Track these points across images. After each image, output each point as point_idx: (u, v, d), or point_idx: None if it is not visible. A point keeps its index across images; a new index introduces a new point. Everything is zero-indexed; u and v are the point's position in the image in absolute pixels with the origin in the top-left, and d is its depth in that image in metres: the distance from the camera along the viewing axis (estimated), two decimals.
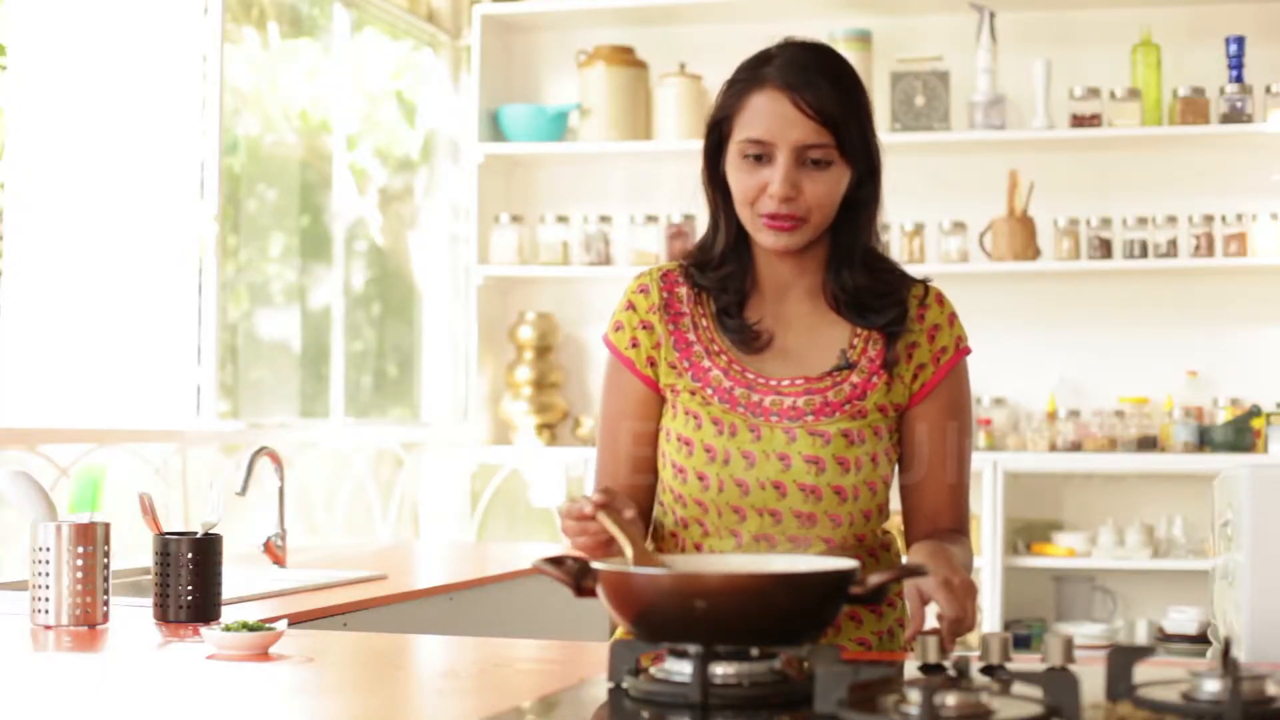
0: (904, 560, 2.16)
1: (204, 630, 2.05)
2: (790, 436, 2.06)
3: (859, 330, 2.12)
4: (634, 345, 2.15)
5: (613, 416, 2.18)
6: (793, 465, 2.05)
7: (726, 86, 2.11)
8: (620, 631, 2.21)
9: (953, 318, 2.15)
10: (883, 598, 1.70)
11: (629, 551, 1.78)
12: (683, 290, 2.16)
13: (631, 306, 2.16)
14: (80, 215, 4.06)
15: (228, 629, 2.03)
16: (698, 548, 2.12)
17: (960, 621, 1.86)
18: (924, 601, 1.88)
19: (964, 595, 1.86)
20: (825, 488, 2.06)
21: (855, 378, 2.10)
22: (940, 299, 2.16)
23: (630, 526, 1.81)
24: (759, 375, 2.10)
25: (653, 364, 2.14)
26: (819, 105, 2.02)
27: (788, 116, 2.02)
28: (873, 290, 2.11)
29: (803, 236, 2.06)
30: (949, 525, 2.16)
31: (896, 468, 2.16)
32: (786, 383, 2.10)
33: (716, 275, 2.14)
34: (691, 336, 2.13)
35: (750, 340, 2.11)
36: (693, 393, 2.11)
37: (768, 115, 2.03)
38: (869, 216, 2.11)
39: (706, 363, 2.12)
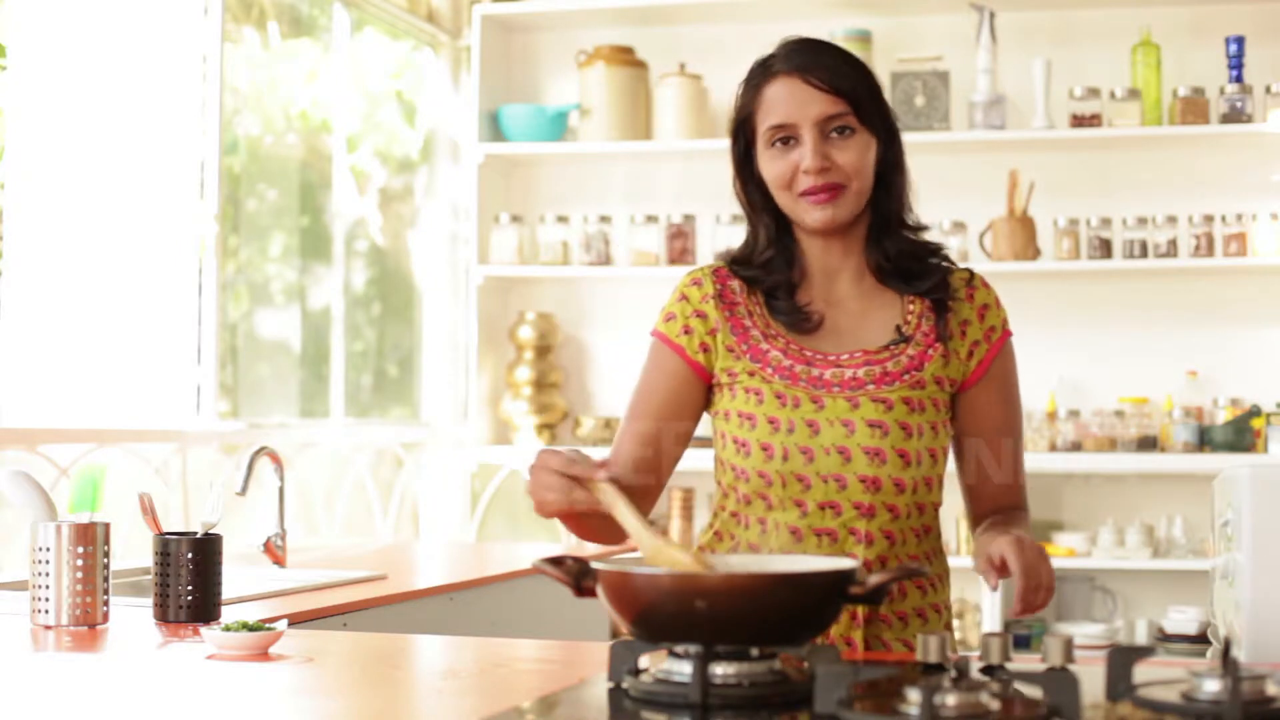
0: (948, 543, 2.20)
1: (204, 630, 2.05)
2: (853, 404, 2.10)
3: (910, 305, 2.19)
4: (686, 332, 2.18)
5: (647, 391, 2.19)
6: (856, 430, 2.09)
7: (740, 90, 2.19)
8: None
9: (998, 300, 2.24)
10: (882, 598, 1.71)
11: (642, 537, 1.77)
12: (735, 283, 2.21)
13: (685, 298, 2.21)
14: (80, 215, 4.06)
15: (228, 629, 2.03)
16: (761, 522, 2.14)
17: (1035, 584, 1.94)
18: (997, 568, 1.95)
19: (1035, 557, 1.94)
20: (890, 451, 2.09)
21: (911, 350, 2.15)
22: (985, 282, 2.24)
23: (636, 511, 1.82)
24: (817, 352, 2.15)
25: (705, 350, 2.18)
26: (829, 79, 2.11)
27: (803, 96, 2.11)
28: (915, 255, 2.19)
29: (845, 206, 2.13)
30: (1011, 502, 2.21)
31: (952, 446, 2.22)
32: (845, 356, 2.15)
33: (761, 266, 2.19)
34: (747, 323, 2.18)
35: (802, 322, 2.16)
36: (752, 373, 2.15)
37: (785, 99, 2.12)
38: (897, 184, 2.19)
39: (764, 345, 2.16)
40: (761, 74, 2.15)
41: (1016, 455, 2.21)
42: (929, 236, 2.27)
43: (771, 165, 2.14)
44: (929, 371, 2.14)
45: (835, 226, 2.14)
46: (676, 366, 2.19)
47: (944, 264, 2.22)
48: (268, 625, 2.06)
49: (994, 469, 2.20)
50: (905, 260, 2.18)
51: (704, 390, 2.19)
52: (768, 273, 2.19)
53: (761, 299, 2.19)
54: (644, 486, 2.17)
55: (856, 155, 2.12)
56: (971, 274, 2.23)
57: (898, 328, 2.16)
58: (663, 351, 2.20)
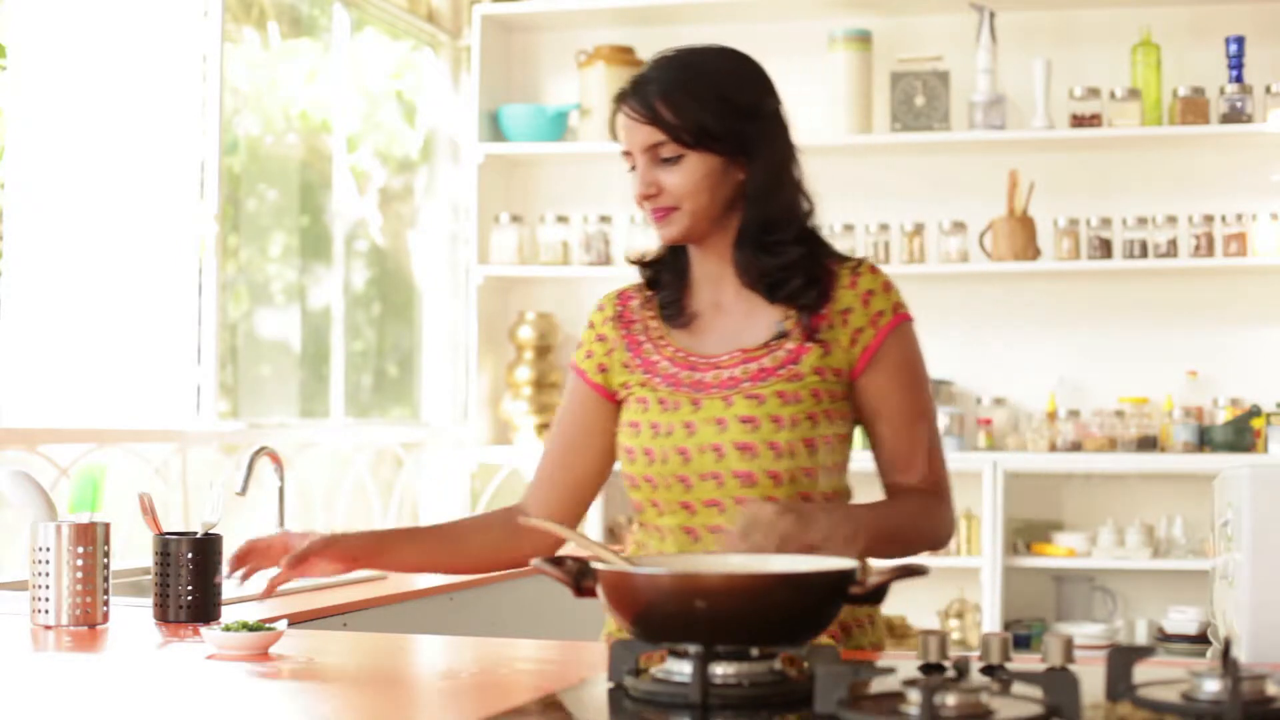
0: None
1: (204, 630, 2.05)
2: (728, 402, 2.16)
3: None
4: (588, 356, 2.30)
5: (561, 415, 2.33)
6: (729, 427, 2.14)
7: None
8: (609, 628, 2.24)
9: (888, 285, 2.22)
10: (882, 597, 1.71)
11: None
12: (635, 302, 2.31)
13: (591, 324, 2.33)
14: (80, 215, 4.06)
15: (228, 629, 2.03)
16: (659, 529, 2.20)
17: (747, 525, 1.93)
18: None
19: (777, 513, 1.94)
20: (760, 444, 2.13)
21: (790, 344, 2.18)
22: (874, 269, 2.23)
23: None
24: (703, 357, 2.22)
25: (604, 370, 2.28)
26: (643, 109, 2.18)
27: (629, 126, 2.21)
28: (777, 266, 2.20)
29: (677, 225, 2.20)
30: (919, 487, 2.19)
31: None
32: (725, 356, 2.20)
33: (655, 269, 2.30)
34: (642, 338, 2.27)
35: (677, 315, 2.25)
36: (643, 384, 2.23)
37: (621, 129, 2.23)
38: (755, 195, 2.20)
39: (655, 356, 2.24)
40: (614, 102, 2.25)
41: (917, 440, 2.19)
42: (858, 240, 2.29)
43: (632, 187, 2.23)
44: (807, 364, 2.16)
45: (677, 242, 2.22)
46: (583, 391, 2.29)
47: (824, 263, 2.21)
48: (268, 625, 2.06)
49: (899, 455, 2.19)
50: (769, 273, 2.20)
51: (613, 410, 2.27)
52: (659, 273, 2.28)
53: (657, 310, 2.28)
54: (560, 506, 2.28)
55: (681, 179, 2.17)
56: (860, 262, 2.23)
57: (778, 323, 2.19)
58: (572, 377, 2.32)
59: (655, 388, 2.20)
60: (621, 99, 2.21)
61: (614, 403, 2.26)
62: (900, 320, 2.20)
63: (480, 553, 2.29)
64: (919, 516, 2.16)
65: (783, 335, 2.18)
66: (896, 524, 2.13)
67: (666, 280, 2.27)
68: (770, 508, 1.95)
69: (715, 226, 2.20)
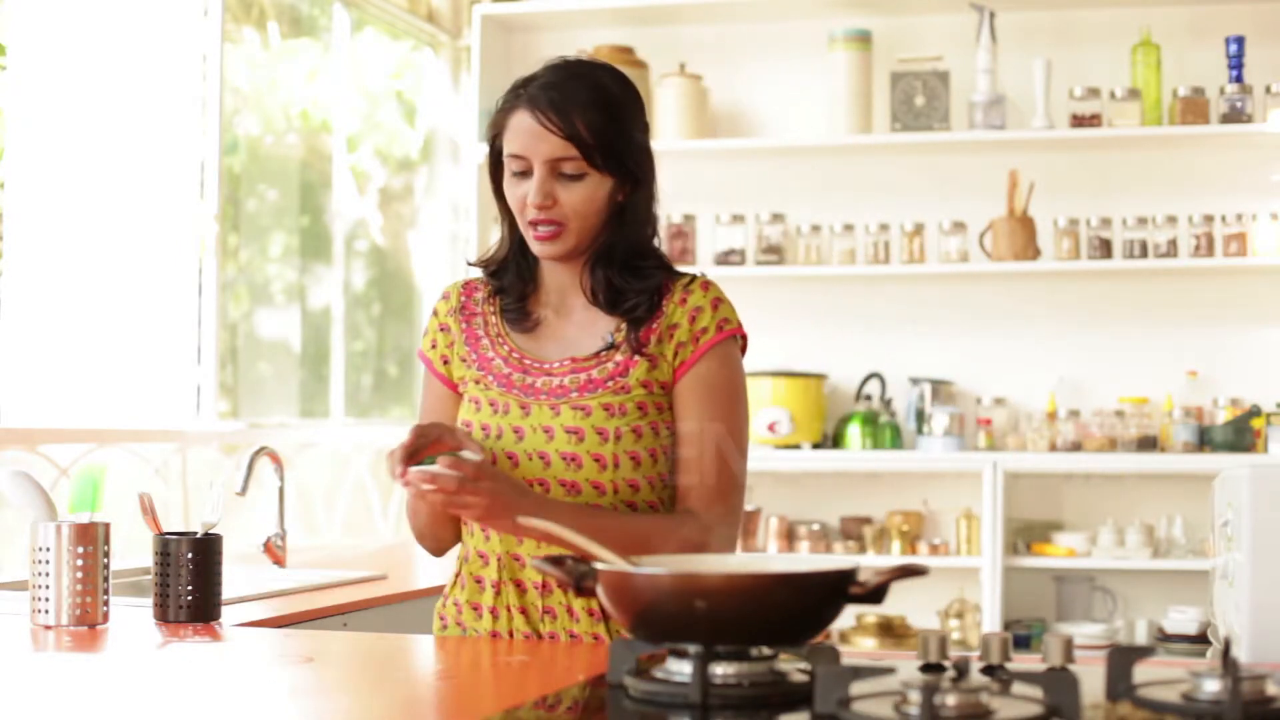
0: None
1: (409, 472, 2.02)
2: (555, 411, 2.18)
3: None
4: (433, 346, 2.32)
5: (422, 406, 2.35)
6: (555, 436, 2.17)
7: (496, 107, 2.24)
8: (436, 627, 2.26)
9: (717, 302, 2.24)
10: (882, 597, 1.71)
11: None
12: (479, 294, 2.33)
13: (435, 313, 2.35)
14: (80, 215, 4.06)
15: (428, 461, 2.03)
16: (484, 528, 2.20)
17: (444, 488, 1.97)
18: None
19: (473, 477, 1.98)
20: (585, 455, 2.16)
21: (619, 356, 2.20)
22: (706, 286, 2.25)
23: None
24: (535, 361, 2.24)
25: (446, 361, 2.30)
26: (562, 123, 2.15)
27: (537, 134, 2.16)
28: (628, 286, 2.22)
29: (564, 244, 2.20)
30: (688, 502, 2.19)
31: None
32: (557, 364, 2.22)
33: (500, 274, 2.30)
34: (481, 333, 2.29)
35: (522, 319, 2.26)
36: (477, 381, 2.25)
37: (522, 133, 2.17)
38: (634, 220, 2.23)
39: (491, 353, 2.26)
40: (511, 100, 2.19)
41: (701, 455, 2.19)
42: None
43: (509, 190, 2.21)
44: (634, 376, 2.19)
45: (556, 259, 2.22)
46: (432, 381, 2.32)
47: (663, 280, 2.23)
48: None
49: (682, 467, 2.19)
50: (616, 290, 2.21)
51: (457, 396, 2.29)
52: (502, 274, 2.28)
53: (498, 306, 2.29)
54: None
55: (580, 198, 2.17)
56: (693, 278, 2.25)
57: (609, 334, 2.21)
58: (425, 371, 2.34)
59: (488, 387, 2.23)
60: (532, 104, 2.15)
61: (456, 392, 2.29)
62: (723, 337, 2.21)
63: (448, 535, 2.28)
64: (662, 539, 2.13)
65: (612, 347, 2.20)
66: (607, 536, 1.95)
67: (510, 283, 2.28)
68: (485, 472, 2.00)
69: (587, 245, 2.22)
